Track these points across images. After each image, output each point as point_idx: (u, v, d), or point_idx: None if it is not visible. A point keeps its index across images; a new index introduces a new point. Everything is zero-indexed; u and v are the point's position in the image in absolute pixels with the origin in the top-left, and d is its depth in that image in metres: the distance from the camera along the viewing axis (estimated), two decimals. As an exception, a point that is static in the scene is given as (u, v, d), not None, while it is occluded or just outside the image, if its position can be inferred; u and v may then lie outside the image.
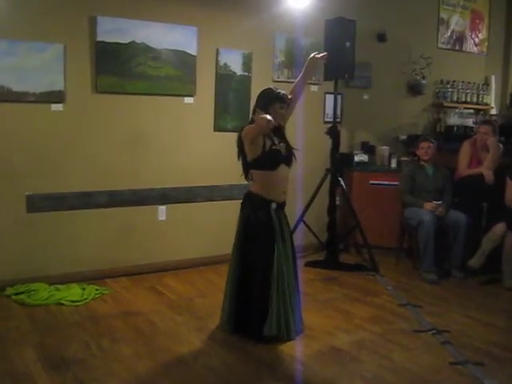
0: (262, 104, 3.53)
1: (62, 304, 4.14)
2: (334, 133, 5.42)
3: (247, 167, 3.61)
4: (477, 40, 7.61)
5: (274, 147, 3.53)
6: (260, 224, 3.54)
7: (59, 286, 4.42)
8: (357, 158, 6.15)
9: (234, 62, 5.38)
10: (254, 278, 3.50)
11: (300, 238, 5.28)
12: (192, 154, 5.23)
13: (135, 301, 4.31)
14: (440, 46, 7.19)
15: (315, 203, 5.45)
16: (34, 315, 3.92)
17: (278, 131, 3.61)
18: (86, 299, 4.24)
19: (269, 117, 3.28)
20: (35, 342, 3.46)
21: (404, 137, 6.58)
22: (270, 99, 3.53)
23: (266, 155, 3.50)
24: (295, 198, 5.23)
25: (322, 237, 5.62)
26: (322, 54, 3.79)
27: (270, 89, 3.63)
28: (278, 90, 3.60)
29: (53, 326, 3.74)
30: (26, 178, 4.48)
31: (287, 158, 3.61)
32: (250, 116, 3.70)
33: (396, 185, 5.69)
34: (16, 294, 4.23)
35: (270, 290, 3.46)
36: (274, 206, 3.55)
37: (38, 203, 4.54)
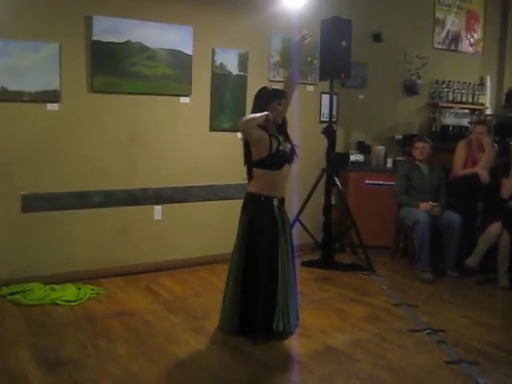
0: (260, 104, 3.54)
1: (58, 304, 4.13)
2: (329, 132, 5.43)
3: (251, 166, 3.59)
4: (472, 40, 7.63)
5: (280, 148, 3.53)
6: (264, 222, 3.54)
7: (54, 286, 4.40)
8: (352, 158, 6.16)
9: (229, 61, 5.38)
10: (260, 275, 3.50)
11: (296, 237, 5.22)
12: (188, 153, 5.22)
13: (130, 301, 4.30)
14: (435, 45, 7.21)
15: (311, 203, 5.46)
16: (29, 315, 3.91)
17: (281, 129, 3.62)
18: (81, 299, 4.23)
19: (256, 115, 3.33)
20: (30, 342, 3.45)
21: (399, 136, 6.59)
22: (267, 98, 3.53)
23: (273, 156, 3.50)
24: (291, 198, 5.22)
25: (318, 236, 5.62)
26: (304, 33, 3.78)
27: (265, 88, 3.65)
28: (273, 87, 3.63)
29: (48, 326, 3.73)
30: (21, 177, 4.47)
31: (291, 156, 3.63)
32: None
33: (391, 184, 5.70)
34: (11, 294, 4.22)
35: (278, 286, 3.50)
36: (276, 202, 3.58)
37: (33, 203, 4.52)
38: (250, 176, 3.64)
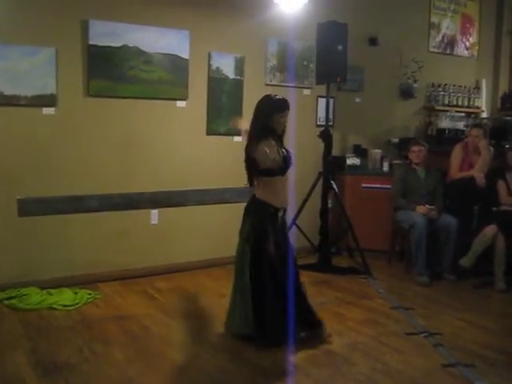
0: (262, 114, 3.52)
1: (54, 308, 4.12)
2: (326, 136, 5.43)
3: (258, 175, 3.56)
4: (467, 44, 7.66)
5: (284, 154, 3.53)
6: (275, 230, 3.56)
7: (51, 291, 4.39)
8: (349, 161, 6.17)
9: (226, 65, 5.39)
10: (286, 280, 3.53)
11: (292, 241, 5.27)
12: (184, 157, 5.22)
13: (127, 305, 4.29)
14: (431, 49, 7.24)
15: (308, 206, 5.46)
16: (25, 320, 3.90)
17: (279, 137, 3.62)
18: (78, 303, 4.22)
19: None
20: (27, 347, 3.44)
21: (396, 140, 6.60)
22: (269, 110, 3.51)
23: (281, 164, 3.51)
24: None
25: (315, 240, 5.62)
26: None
27: (268, 97, 3.59)
28: (277, 98, 3.57)
29: (45, 331, 3.72)
30: (17, 181, 4.46)
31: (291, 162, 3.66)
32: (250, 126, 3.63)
33: (388, 188, 5.71)
34: (8, 299, 4.21)
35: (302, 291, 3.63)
36: (281, 213, 3.61)
37: (30, 207, 4.51)
38: (252, 181, 3.61)
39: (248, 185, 3.64)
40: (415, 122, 7.06)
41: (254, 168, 3.53)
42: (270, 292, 3.49)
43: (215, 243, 5.27)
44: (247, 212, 3.61)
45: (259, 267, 3.52)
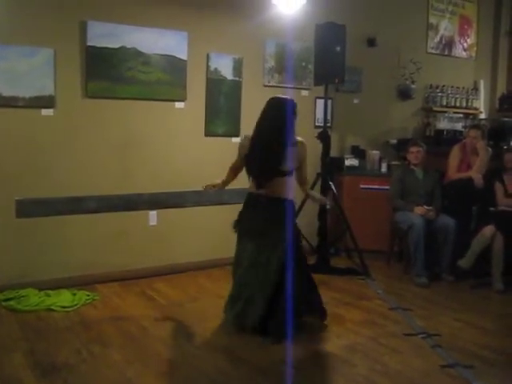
0: (271, 115, 3.59)
1: (53, 310, 4.11)
2: (324, 137, 5.44)
3: (284, 174, 3.67)
4: (465, 45, 7.68)
5: None
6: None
7: (49, 292, 4.39)
8: (347, 162, 6.17)
9: (224, 66, 5.39)
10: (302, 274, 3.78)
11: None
12: (183, 158, 5.22)
13: (126, 306, 4.29)
14: (429, 50, 7.25)
15: (306, 207, 5.46)
16: (24, 321, 3.90)
17: None
18: (76, 305, 4.21)
19: None
20: (25, 348, 3.43)
21: (394, 141, 6.61)
22: (281, 113, 3.57)
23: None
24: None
25: (313, 241, 5.62)
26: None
27: (279, 101, 3.67)
28: (287, 101, 3.65)
29: (43, 332, 3.71)
30: (15, 182, 4.45)
31: None
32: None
33: (386, 189, 5.71)
34: (5, 300, 4.20)
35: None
36: None
37: (28, 208, 4.51)
38: (262, 184, 3.65)
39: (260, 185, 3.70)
40: (413, 123, 7.07)
41: (280, 167, 3.62)
42: (284, 290, 3.54)
43: (214, 244, 5.27)
44: (284, 214, 3.67)
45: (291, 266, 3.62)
